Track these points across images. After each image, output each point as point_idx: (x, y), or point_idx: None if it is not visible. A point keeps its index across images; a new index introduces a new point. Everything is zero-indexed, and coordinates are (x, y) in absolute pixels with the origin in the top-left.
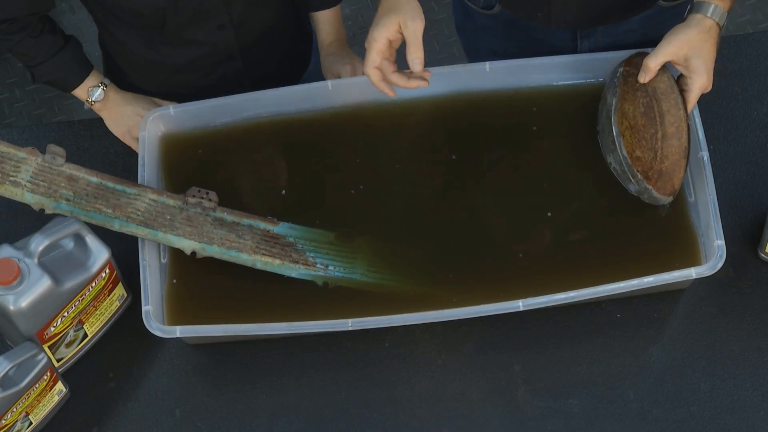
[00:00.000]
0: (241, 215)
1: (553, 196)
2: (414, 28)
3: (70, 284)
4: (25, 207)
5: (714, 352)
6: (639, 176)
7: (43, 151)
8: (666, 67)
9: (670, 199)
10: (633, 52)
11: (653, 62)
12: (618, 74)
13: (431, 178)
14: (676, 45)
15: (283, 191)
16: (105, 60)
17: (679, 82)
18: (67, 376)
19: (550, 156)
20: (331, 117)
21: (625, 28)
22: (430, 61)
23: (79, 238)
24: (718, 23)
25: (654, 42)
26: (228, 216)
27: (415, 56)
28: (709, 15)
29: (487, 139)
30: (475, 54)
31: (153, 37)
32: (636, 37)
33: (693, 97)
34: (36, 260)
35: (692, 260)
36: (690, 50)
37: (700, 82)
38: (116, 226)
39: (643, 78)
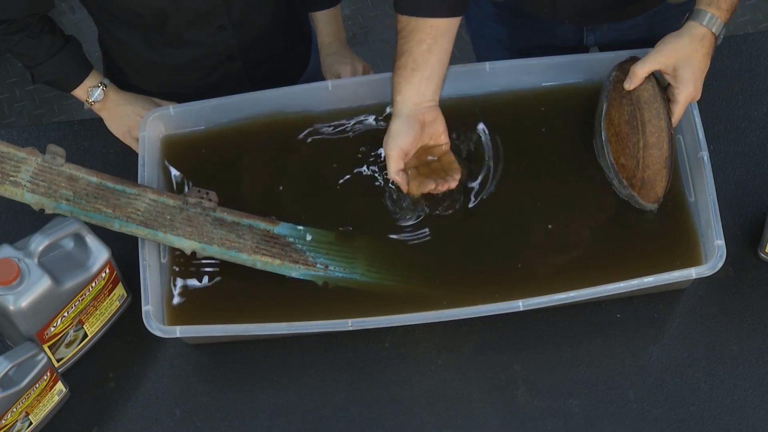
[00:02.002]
0: (241, 215)
1: (554, 196)
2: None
3: (70, 284)
4: (25, 207)
5: (714, 352)
6: (624, 182)
7: (43, 151)
8: (652, 76)
9: (655, 206)
10: (628, 55)
11: (641, 70)
12: (611, 78)
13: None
14: (665, 54)
15: (283, 190)
16: (105, 60)
17: (667, 91)
18: (67, 376)
19: (550, 156)
20: (331, 117)
21: (630, 23)
22: None
23: (79, 238)
24: (713, 33)
25: (659, 38)
26: (228, 216)
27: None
28: (704, 24)
29: (488, 139)
30: (480, 42)
31: (153, 38)
32: (641, 32)
33: (679, 108)
34: (36, 260)
35: (692, 260)
36: (679, 60)
37: (686, 93)
38: (116, 226)
39: (629, 85)
